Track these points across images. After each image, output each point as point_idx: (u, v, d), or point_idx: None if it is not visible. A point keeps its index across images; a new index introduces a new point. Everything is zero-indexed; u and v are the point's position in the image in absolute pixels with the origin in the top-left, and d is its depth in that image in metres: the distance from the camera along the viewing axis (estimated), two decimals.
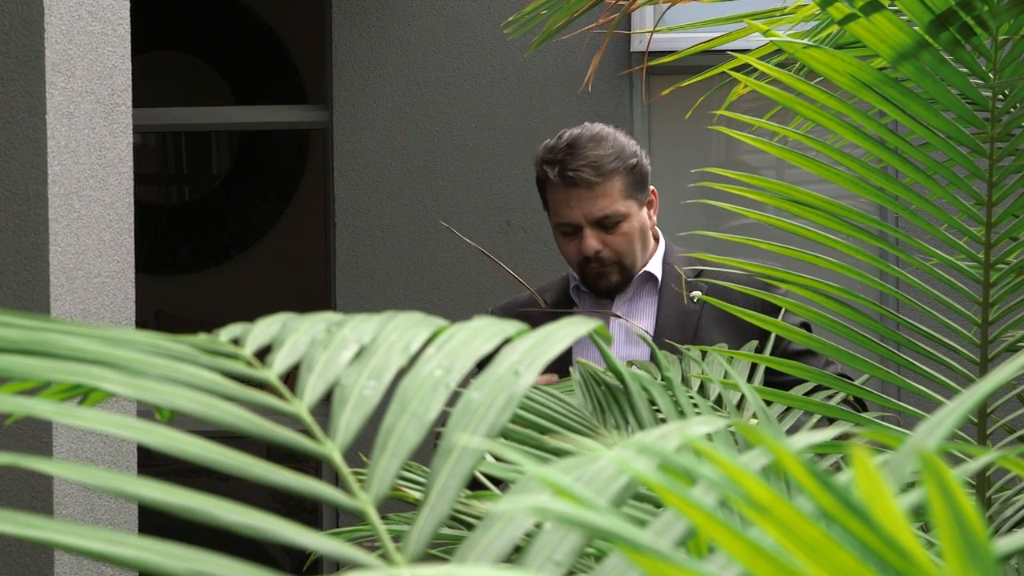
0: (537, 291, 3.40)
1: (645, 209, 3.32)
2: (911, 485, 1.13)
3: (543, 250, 5.79)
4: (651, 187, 3.35)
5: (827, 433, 1.08)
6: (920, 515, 1.49)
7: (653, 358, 2.19)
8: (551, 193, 3.28)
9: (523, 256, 5.81)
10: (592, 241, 3.23)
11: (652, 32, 2.82)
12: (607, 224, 3.24)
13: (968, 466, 0.98)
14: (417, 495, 1.93)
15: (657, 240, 3.40)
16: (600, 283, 3.29)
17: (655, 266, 3.34)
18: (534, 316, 3.32)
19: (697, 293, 3.24)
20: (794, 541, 0.65)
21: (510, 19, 2.80)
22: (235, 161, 9.07)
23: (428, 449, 0.98)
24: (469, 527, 1.82)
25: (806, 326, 3.06)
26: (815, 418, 2.45)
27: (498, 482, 1.94)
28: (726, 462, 0.67)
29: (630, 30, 5.60)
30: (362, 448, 1.05)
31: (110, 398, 3.20)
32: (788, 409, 2.35)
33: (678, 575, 0.68)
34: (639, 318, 3.30)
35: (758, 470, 1.01)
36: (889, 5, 1.91)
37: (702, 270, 3.26)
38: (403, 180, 5.92)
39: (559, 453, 1.64)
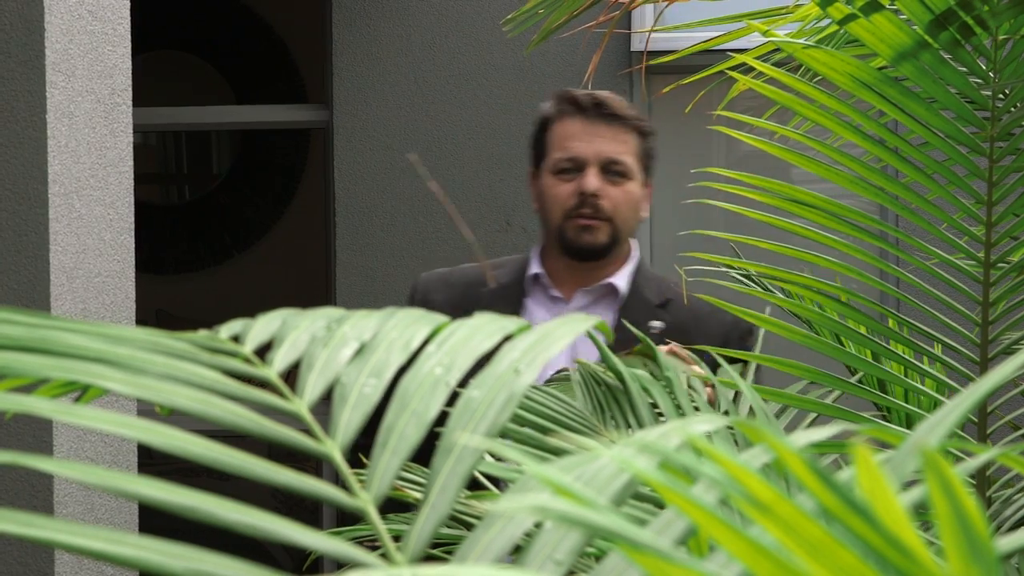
0: (492, 265, 3.16)
1: (644, 193, 3.11)
2: (908, 485, 1.13)
3: None
4: (651, 182, 3.16)
5: (828, 431, 1.08)
6: (921, 513, 1.49)
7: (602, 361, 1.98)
8: (561, 127, 3.07)
9: None
10: (594, 180, 3.01)
11: (651, 31, 2.81)
12: (614, 172, 3.03)
13: (968, 464, 0.98)
14: (417, 495, 1.93)
15: (629, 251, 3.15)
16: (584, 237, 3.02)
17: (621, 279, 3.09)
18: (480, 296, 3.03)
19: (659, 324, 2.99)
20: (795, 539, 0.65)
21: (509, 16, 2.79)
22: (235, 160, 9.08)
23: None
24: (468, 527, 1.82)
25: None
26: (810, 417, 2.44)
27: (496, 483, 1.93)
28: (727, 460, 0.67)
29: (630, 29, 5.60)
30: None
31: (111, 397, 3.19)
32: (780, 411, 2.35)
33: (679, 574, 0.68)
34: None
35: (759, 468, 1.01)
36: (889, 5, 1.91)
37: (670, 300, 3.05)
38: (403, 179, 5.92)
39: (558, 453, 1.64)
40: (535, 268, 3.09)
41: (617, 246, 3.06)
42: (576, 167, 3.03)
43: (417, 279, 3.19)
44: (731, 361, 2.36)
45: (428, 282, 3.16)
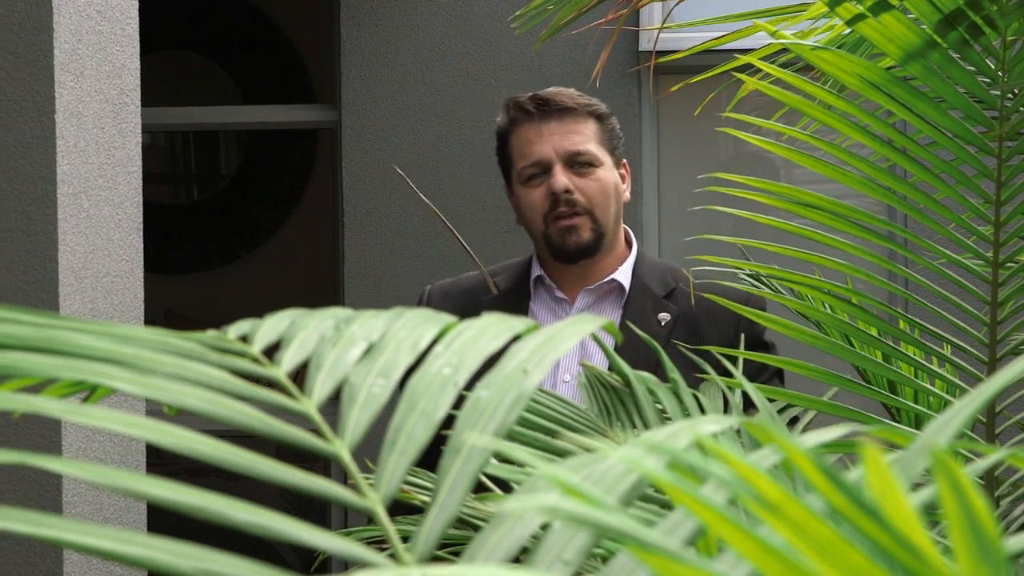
0: (489, 273, 3.13)
1: (618, 173, 3.08)
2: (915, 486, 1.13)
3: None
4: (624, 160, 3.13)
5: (837, 431, 1.07)
6: (930, 513, 1.48)
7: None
8: (518, 135, 3.07)
9: None
10: (563, 177, 2.97)
11: (660, 29, 2.81)
12: (580, 163, 2.99)
13: (978, 465, 0.98)
14: (424, 497, 1.93)
15: (630, 245, 3.11)
16: (569, 239, 2.97)
17: (623, 274, 3.04)
18: (483, 304, 3.03)
19: (666, 316, 2.94)
20: (804, 540, 0.65)
21: (517, 13, 2.79)
22: (243, 160, 9.08)
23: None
24: (474, 528, 1.82)
25: (780, 374, 2.93)
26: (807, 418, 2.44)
27: (500, 484, 1.93)
28: (736, 460, 0.67)
29: (638, 27, 5.60)
30: (365, 448, 1.05)
31: (119, 397, 3.18)
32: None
33: (688, 574, 0.68)
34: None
35: (767, 469, 1.00)
36: (897, 5, 1.91)
37: (675, 289, 3.01)
38: (411, 179, 5.92)
39: (564, 455, 1.64)
40: (537, 271, 3.07)
41: (605, 238, 3.01)
42: (542, 170, 3.01)
43: (423, 292, 3.18)
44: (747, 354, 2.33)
45: (431, 296, 3.13)
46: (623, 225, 3.12)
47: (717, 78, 2.54)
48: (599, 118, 3.05)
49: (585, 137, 3.01)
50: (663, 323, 2.95)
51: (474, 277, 3.14)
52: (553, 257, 3.02)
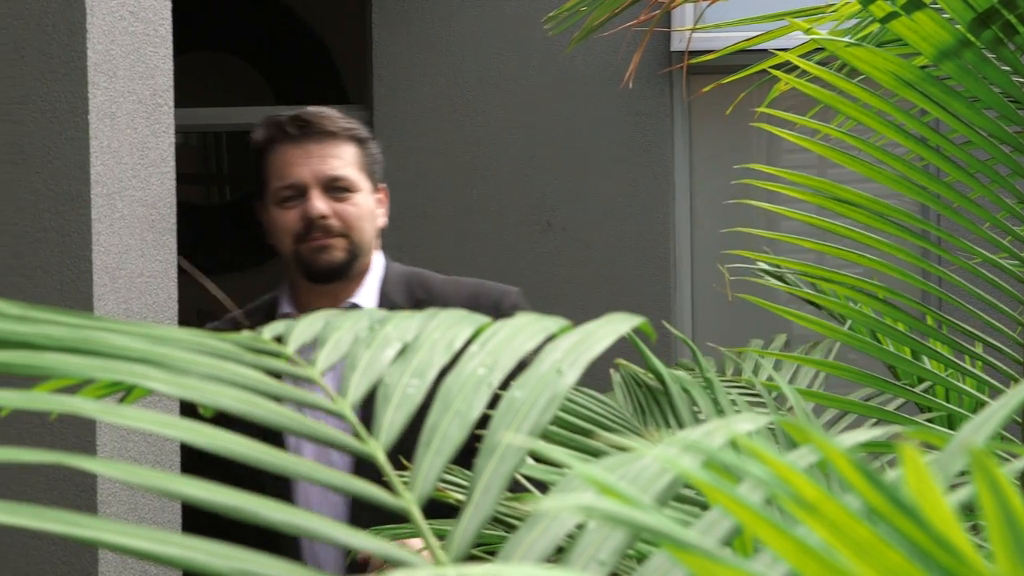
0: (243, 313, 3.05)
1: (376, 198, 3.01)
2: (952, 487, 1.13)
3: (584, 250, 5.78)
4: (383, 184, 3.06)
5: (874, 432, 1.07)
6: (967, 515, 1.48)
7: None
8: (275, 155, 2.94)
9: (563, 257, 5.80)
10: (319, 203, 2.88)
11: (692, 30, 2.81)
12: (337, 188, 2.90)
13: (1014, 465, 0.98)
14: (458, 496, 1.93)
15: (369, 263, 3.03)
16: (321, 257, 2.90)
17: (366, 295, 2.99)
18: None
19: None
20: (842, 540, 0.65)
21: (550, 15, 2.78)
22: None
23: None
24: (508, 527, 1.82)
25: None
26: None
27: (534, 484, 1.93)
28: (773, 460, 0.67)
29: (670, 28, 5.59)
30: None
31: (153, 397, 3.19)
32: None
33: (725, 574, 0.68)
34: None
35: (804, 468, 1.00)
36: (931, 3, 1.90)
37: (422, 299, 2.97)
38: (443, 180, 5.92)
39: (598, 454, 1.64)
40: (285, 307, 3.02)
41: (358, 260, 2.95)
42: (298, 193, 2.92)
43: None
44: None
45: None
46: None
47: (749, 78, 2.53)
48: (359, 142, 2.98)
49: (344, 161, 2.93)
50: None
51: (227, 321, 3.10)
52: (305, 277, 2.96)
